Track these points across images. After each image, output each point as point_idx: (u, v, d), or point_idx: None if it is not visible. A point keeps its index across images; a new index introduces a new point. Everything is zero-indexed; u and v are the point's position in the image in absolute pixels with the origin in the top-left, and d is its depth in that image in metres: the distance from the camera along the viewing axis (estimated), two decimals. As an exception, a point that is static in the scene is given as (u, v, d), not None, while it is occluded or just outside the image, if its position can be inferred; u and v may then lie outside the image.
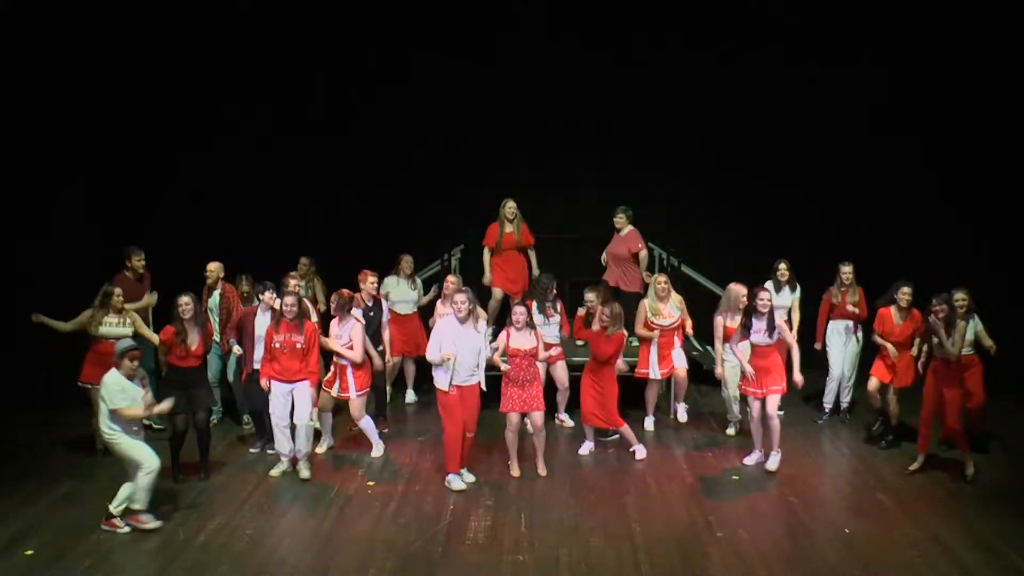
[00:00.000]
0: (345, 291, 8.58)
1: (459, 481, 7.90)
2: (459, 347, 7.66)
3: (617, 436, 8.77)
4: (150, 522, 7.00)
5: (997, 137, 11.32)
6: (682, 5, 11.62)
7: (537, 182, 11.78)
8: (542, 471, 8.20)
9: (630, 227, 10.15)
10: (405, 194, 11.84)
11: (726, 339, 8.68)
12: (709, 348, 9.82)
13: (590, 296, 8.80)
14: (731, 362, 8.95)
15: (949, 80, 11.33)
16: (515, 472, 8.16)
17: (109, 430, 6.97)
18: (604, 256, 10.33)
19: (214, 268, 9.39)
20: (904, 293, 8.68)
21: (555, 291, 9.13)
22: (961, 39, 11.15)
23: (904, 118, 11.48)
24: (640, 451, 8.61)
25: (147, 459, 6.98)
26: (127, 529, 6.93)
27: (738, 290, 8.75)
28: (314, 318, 8.78)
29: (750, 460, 8.47)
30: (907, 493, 7.79)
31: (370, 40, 11.75)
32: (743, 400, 8.90)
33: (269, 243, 10.73)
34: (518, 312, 8.04)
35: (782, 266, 9.47)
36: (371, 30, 11.72)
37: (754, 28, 11.58)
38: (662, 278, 9.33)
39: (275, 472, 8.10)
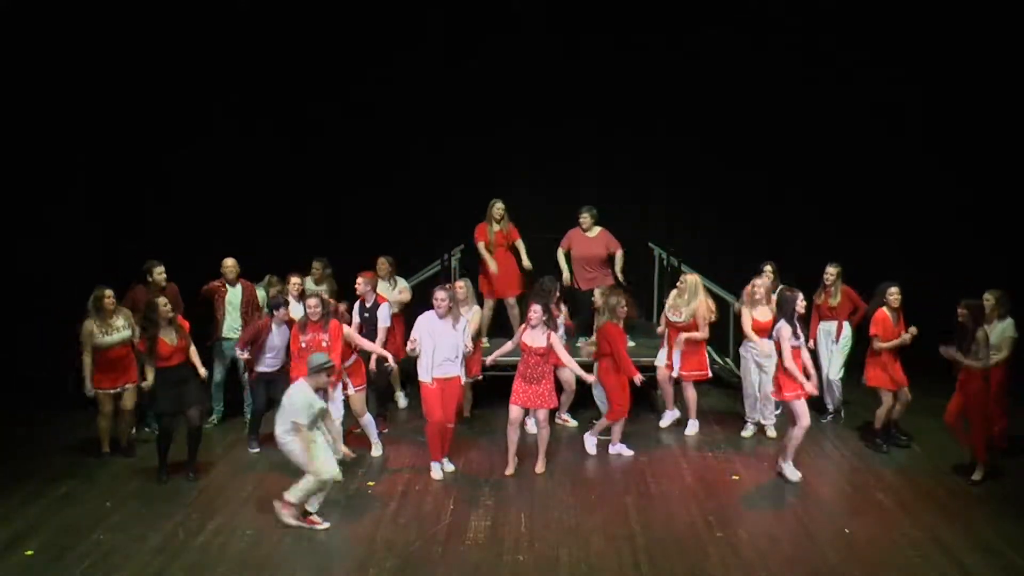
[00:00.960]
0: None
1: (439, 470, 8.12)
2: (436, 341, 7.92)
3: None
4: (321, 523, 7.12)
5: (999, 137, 11.30)
6: (682, 5, 11.62)
7: (537, 182, 11.78)
8: (540, 469, 8.23)
9: (598, 228, 10.12)
10: (405, 194, 11.84)
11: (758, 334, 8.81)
12: (709, 348, 9.80)
13: (598, 295, 8.92)
14: (750, 360, 8.96)
15: (950, 79, 11.33)
16: (509, 470, 8.19)
17: (284, 436, 7.04)
18: (564, 255, 10.16)
19: (231, 264, 9.40)
20: (892, 293, 8.63)
21: (559, 294, 9.07)
22: (962, 37, 11.15)
23: (905, 118, 11.48)
24: (625, 450, 8.64)
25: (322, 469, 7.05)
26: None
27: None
28: None
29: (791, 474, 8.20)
30: (907, 493, 7.79)
31: (370, 40, 11.76)
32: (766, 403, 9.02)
33: (269, 243, 10.73)
34: (534, 310, 8.11)
35: (767, 268, 9.33)
36: (371, 30, 11.72)
37: (754, 28, 11.58)
38: (691, 277, 9.19)
39: None
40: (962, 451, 8.22)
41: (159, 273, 9.09)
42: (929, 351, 8.14)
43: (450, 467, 8.29)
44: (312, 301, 8.06)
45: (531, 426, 9.26)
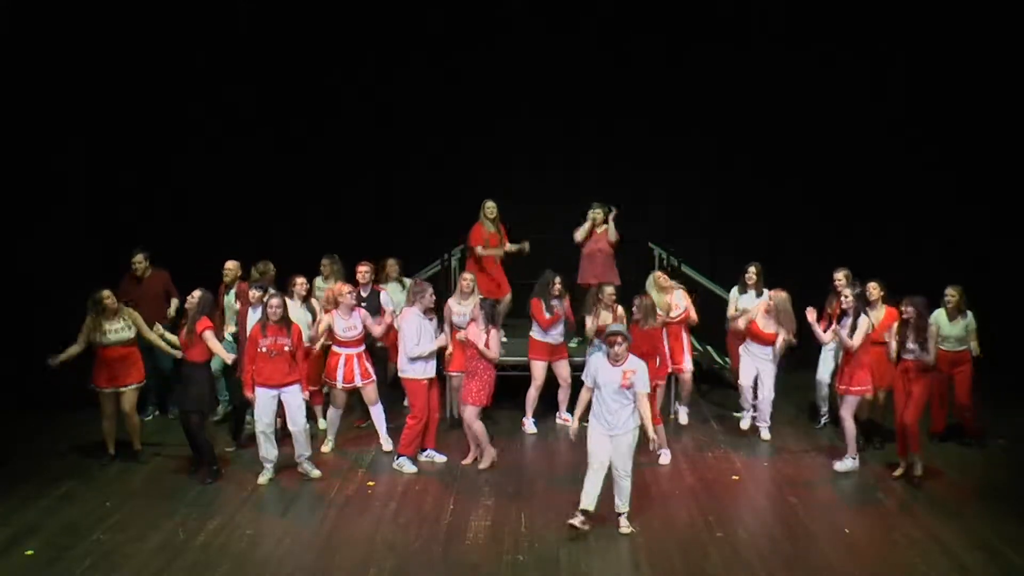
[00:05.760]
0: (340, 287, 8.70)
1: (411, 464, 8.23)
2: (426, 338, 8.17)
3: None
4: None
5: (1003, 136, 11.31)
6: (683, 4, 11.61)
7: (537, 182, 11.78)
8: (481, 465, 8.31)
9: (606, 225, 10.12)
10: (405, 194, 11.84)
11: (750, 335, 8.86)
12: (710, 348, 9.81)
13: (609, 290, 8.92)
14: (747, 361, 8.98)
15: (954, 79, 11.34)
16: (465, 460, 8.43)
17: None
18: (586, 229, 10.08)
19: (232, 267, 9.39)
20: (871, 288, 8.60)
21: (559, 287, 9.05)
22: (966, 37, 11.16)
23: (908, 118, 11.48)
24: (665, 455, 8.47)
25: None
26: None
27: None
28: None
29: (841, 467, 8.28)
30: (907, 493, 7.79)
31: (370, 39, 11.76)
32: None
33: (269, 243, 10.71)
34: (477, 304, 8.40)
35: (751, 270, 9.33)
36: (371, 29, 11.72)
37: (755, 27, 11.58)
38: (659, 272, 9.29)
39: (262, 479, 7.99)
40: (900, 456, 8.14)
41: (138, 262, 9.37)
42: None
43: (441, 458, 8.44)
44: (275, 301, 7.88)
45: (529, 426, 9.30)
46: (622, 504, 7.02)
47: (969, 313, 8.52)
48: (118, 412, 8.39)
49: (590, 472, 6.92)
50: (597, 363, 6.94)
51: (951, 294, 8.44)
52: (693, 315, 9.27)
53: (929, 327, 7.81)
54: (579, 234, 10.06)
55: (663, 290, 9.16)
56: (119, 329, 8.28)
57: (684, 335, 9.31)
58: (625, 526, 7.01)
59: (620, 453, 6.90)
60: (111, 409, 8.37)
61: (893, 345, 7.99)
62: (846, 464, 8.17)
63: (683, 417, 9.52)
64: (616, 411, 6.82)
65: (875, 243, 11.25)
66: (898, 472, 8.08)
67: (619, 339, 6.85)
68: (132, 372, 8.37)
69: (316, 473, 8.03)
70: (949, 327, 8.40)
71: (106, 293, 8.27)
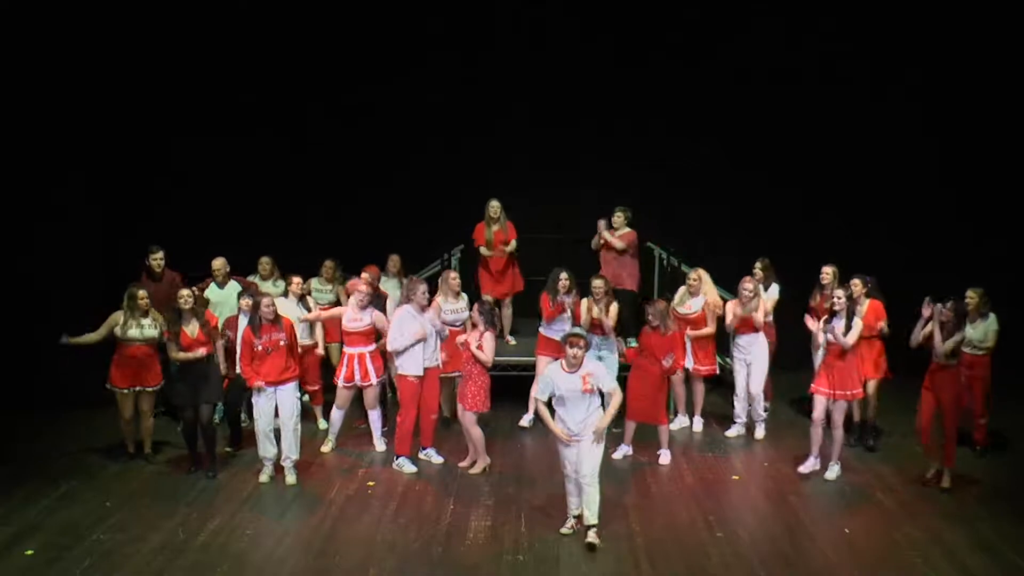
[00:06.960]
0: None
1: (411, 464, 8.23)
2: (427, 332, 8.18)
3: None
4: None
5: (1004, 137, 11.30)
6: (683, 4, 11.61)
7: (537, 182, 11.77)
8: (474, 470, 8.27)
9: (627, 229, 10.10)
10: (405, 194, 11.84)
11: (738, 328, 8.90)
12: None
13: (597, 283, 8.91)
14: (739, 360, 8.96)
15: (960, 78, 11.33)
16: (462, 463, 8.38)
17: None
18: (597, 238, 10.04)
19: (219, 264, 9.39)
20: (853, 284, 8.58)
21: (568, 283, 8.94)
22: (971, 36, 11.16)
23: (907, 118, 11.47)
24: (665, 456, 8.51)
25: None
26: None
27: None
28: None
29: (805, 468, 8.22)
30: (907, 493, 7.80)
31: (370, 40, 11.76)
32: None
33: (269, 243, 10.71)
34: (472, 308, 8.36)
35: (757, 266, 9.34)
36: (371, 30, 11.72)
37: (756, 27, 11.57)
38: (694, 274, 9.23)
39: (262, 478, 8.01)
40: (930, 460, 8.07)
41: (155, 258, 9.29)
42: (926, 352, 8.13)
43: (439, 458, 8.43)
44: (267, 300, 7.94)
45: (526, 421, 9.32)
46: (591, 516, 6.73)
47: (991, 315, 8.44)
48: (136, 413, 8.41)
49: (567, 481, 6.94)
50: (552, 375, 6.75)
51: (971, 296, 8.36)
52: (711, 326, 9.12)
53: (959, 333, 7.70)
54: (594, 242, 10.05)
55: (692, 293, 9.15)
56: (147, 326, 8.30)
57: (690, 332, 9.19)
58: (593, 538, 6.73)
59: (585, 454, 6.68)
60: (130, 411, 8.39)
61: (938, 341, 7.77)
62: (834, 471, 8.14)
63: (697, 425, 9.46)
64: (582, 419, 6.69)
65: (874, 243, 11.24)
66: (930, 474, 7.98)
67: (580, 342, 6.66)
68: (153, 373, 8.41)
69: (292, 480, 7.99)
70: (970, 330, 8.25)
71: (142, 292, 8.32)
